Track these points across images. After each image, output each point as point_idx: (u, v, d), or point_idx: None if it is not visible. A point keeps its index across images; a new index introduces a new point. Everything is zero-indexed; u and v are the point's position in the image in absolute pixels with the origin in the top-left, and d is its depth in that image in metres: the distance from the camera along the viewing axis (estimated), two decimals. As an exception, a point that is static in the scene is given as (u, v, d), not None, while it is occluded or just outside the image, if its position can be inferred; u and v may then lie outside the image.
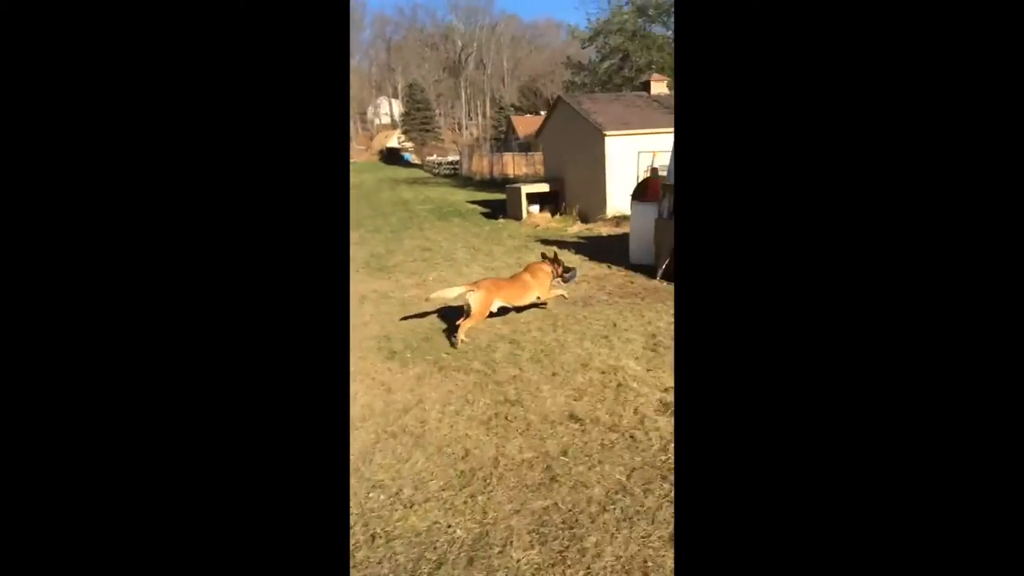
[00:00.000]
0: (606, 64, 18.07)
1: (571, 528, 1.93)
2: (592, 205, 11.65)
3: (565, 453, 2.41)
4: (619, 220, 10.93)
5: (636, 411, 2.82)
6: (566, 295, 5.08)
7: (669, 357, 3.59)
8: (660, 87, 13.75)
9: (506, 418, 2.75)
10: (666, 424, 2.67)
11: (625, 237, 8.47)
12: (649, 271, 6.24)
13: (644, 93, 13.58)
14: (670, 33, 18.23)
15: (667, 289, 5.56)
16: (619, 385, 3.13)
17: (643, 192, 7.11)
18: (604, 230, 10.31)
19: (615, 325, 4.30)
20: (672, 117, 11.94)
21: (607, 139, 11.05)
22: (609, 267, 6.65)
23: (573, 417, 2.75)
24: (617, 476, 2.23)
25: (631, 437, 2.55)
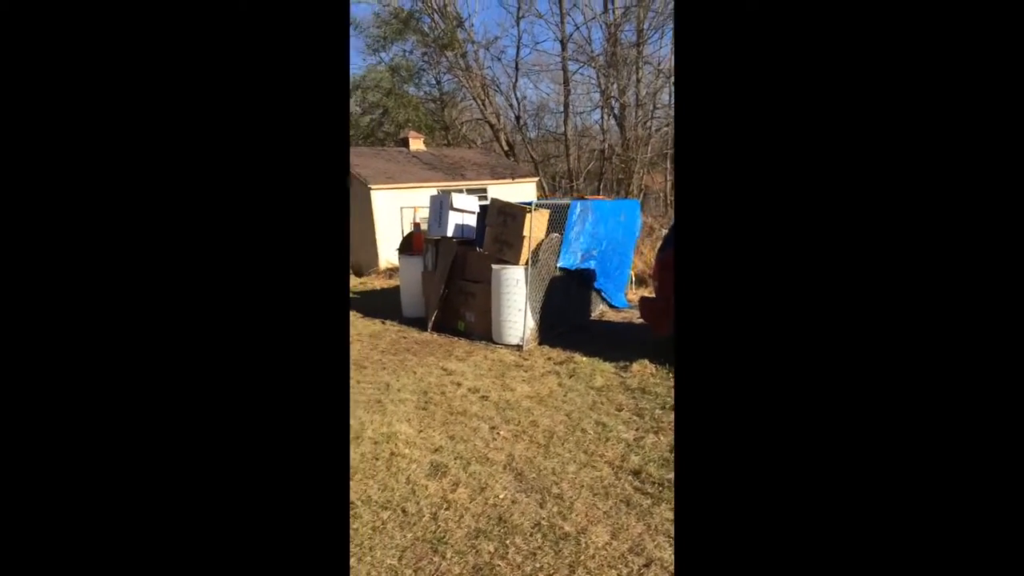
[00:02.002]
0: (367, 119, 18.29)
1: (337, 637, 1.78)
2: (365, 258, 11.47)
3: (332, 548, 2.24)
4: (391, 272, 10.95)
5: (408, 480, 2.78)
6: None
7: (440, 414, 3.66)
8: (417, 144, 14.38)
9: (263, 521, 2.46)
10: (435, 488, 2.69)
11: (399, 290, 8.50)
12: (420, 324, 6.34)
13: (404, 148, 14.05)
14: (421, 93, 19.37)
15: (438, 341, 5.71)
16: (392, 455, 3.06)
17: (409, 246, 7.27)
18: (378, 283, 10.21)
19: (388, 387, 4.24)
20: (431, 173, 12.59)
21: (373, 192, 11.09)
22: (383, 323, 6.58)
23: (341, 502, 2.59)
24: (389, 561, 2.15)
25: (403, 511, 2.50)
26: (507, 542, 2.25)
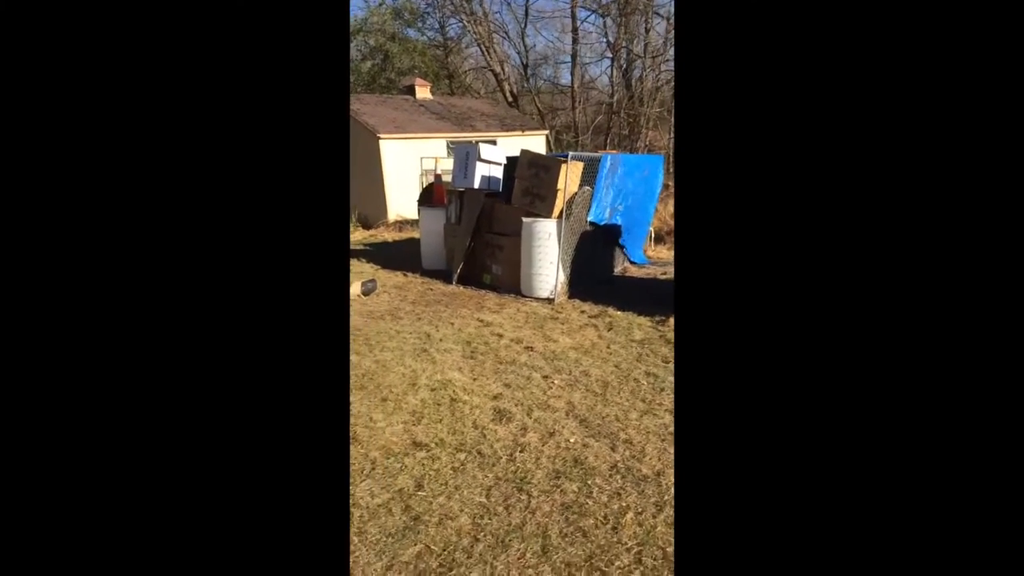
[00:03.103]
0: (368, 64, 17.66)
1: (450, 569, 1.87)
2: (373, 209, 11.33)
3: (420, 487, 2.31)
4: (401, 225, 10.85)
5: (475, 424, 2.85)
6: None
7: (488, 363, 3.71)
8: (424, 92, 13.97)
9: (345, 461, 2.52)
10: (505, 433, 2.76)
11: (411, 242, 8.45)
12: (443, 276, 6.35)
13: (410, 96, 13.66)
14: (424, 38, 18.66)
15: (466, 293, 5.73)
16: (452, 400, 3.12)
17: (429, 197, 7.19)
18: (388, 236, 10.13)
19: (429, 336, 4.27)
20: (440, 123, 12.29)
21: (382, 142, 10.84)
22: (405, 275, 6.57)
23: (417, 444, 2.65)
24: (477, 499, 2.23)
25: (479, 453, 2.57)
26: (589, 483, 2.33)
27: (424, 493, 2.27)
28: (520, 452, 2.57)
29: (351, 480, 2.35)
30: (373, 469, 2.44)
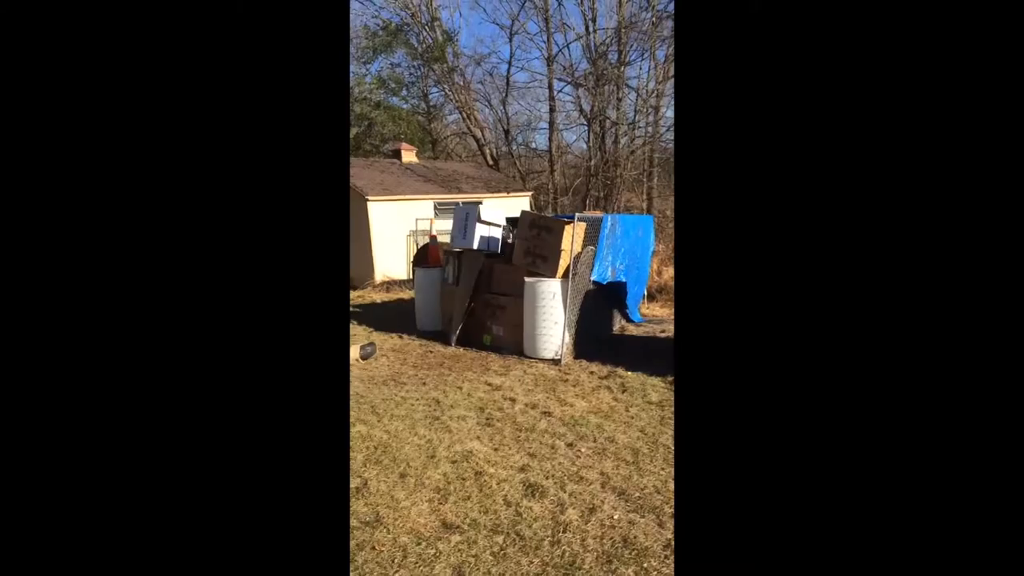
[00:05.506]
0: (354, 131, 18.01)
1: (515, 677, 1.63)
2: (359, 270, 11.18)
3: (462, 577, 2.08)
4: (389, 285, 10.71)
5: (507, 501, 2.63)
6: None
7: (507, 431, 3.52)
8: (410, 156, 14.21)
9: (372, 547, 2.27)
10: (541, 510, 2.55)
11: (402, 303, 8.30)
12: (440, 338, 6.17)
13: (396, 160, 13.86)
14: (407, 106, 19.24)
15: (468, 355, 5.55)
16: (477, 474, 2.91)
17: (424, 258, 7.11)
18: (377, 296, 9.94)
19: (439, 403, 4.06)
20: (427, 185, 12.44)
21: (370, 204, 10.85)
22: (401, 337, 6.37)
23: (448, 526, 2.42)
24: (529, 589, 2.01)
25: (518, 535, 2.35)
26: (645, 565, 2.13)
27: (467, 585, 2.03)
28: (563, 532, 2.37)
29: (387, 572, 2.11)
30: (405, 558, 2.20)
